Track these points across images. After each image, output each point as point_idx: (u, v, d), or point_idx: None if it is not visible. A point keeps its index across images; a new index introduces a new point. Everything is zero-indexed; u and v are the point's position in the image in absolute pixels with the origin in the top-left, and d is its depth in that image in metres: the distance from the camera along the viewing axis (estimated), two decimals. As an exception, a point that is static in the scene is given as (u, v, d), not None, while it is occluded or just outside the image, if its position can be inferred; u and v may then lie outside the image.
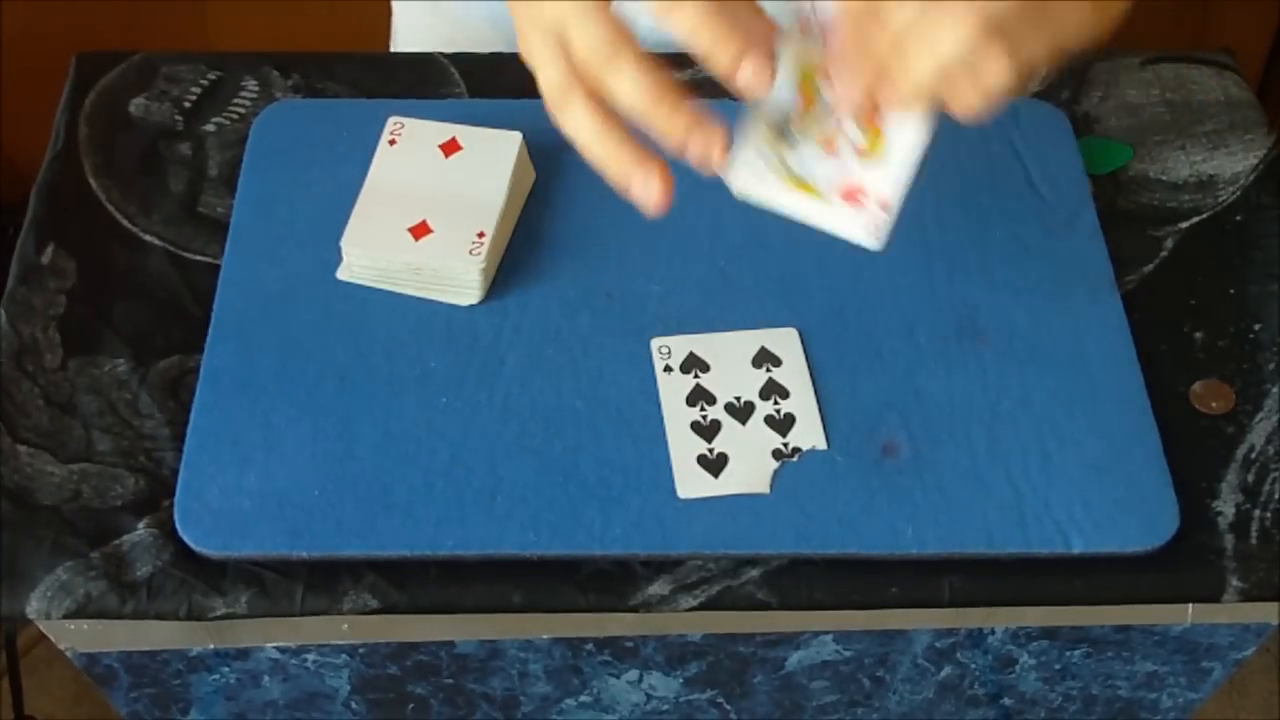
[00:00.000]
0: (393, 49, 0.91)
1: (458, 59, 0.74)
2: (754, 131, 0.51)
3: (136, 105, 0.72)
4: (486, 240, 0.63)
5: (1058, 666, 0.69)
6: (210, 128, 0.71)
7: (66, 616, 0.56)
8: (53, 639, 0.62)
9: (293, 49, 0.75)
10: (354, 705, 0.71)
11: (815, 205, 0.51)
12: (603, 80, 0.49)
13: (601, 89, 0.49)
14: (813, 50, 0.50)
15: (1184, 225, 0.69)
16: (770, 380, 0.62)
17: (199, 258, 0.67)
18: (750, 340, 0.63)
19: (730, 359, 0.63)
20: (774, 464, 0.59)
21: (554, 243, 0.67)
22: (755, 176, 0.50)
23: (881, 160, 0.50)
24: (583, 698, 0.71)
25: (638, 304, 0.64)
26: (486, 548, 0.57)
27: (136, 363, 0.63)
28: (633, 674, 0.69)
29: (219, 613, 0.56)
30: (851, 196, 0.50)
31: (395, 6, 0.90)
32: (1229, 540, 0.59)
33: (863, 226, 0.50)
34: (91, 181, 0.69)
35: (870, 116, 0.50)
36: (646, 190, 0.50)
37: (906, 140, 0.50)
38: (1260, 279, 0.67)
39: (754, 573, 0.58)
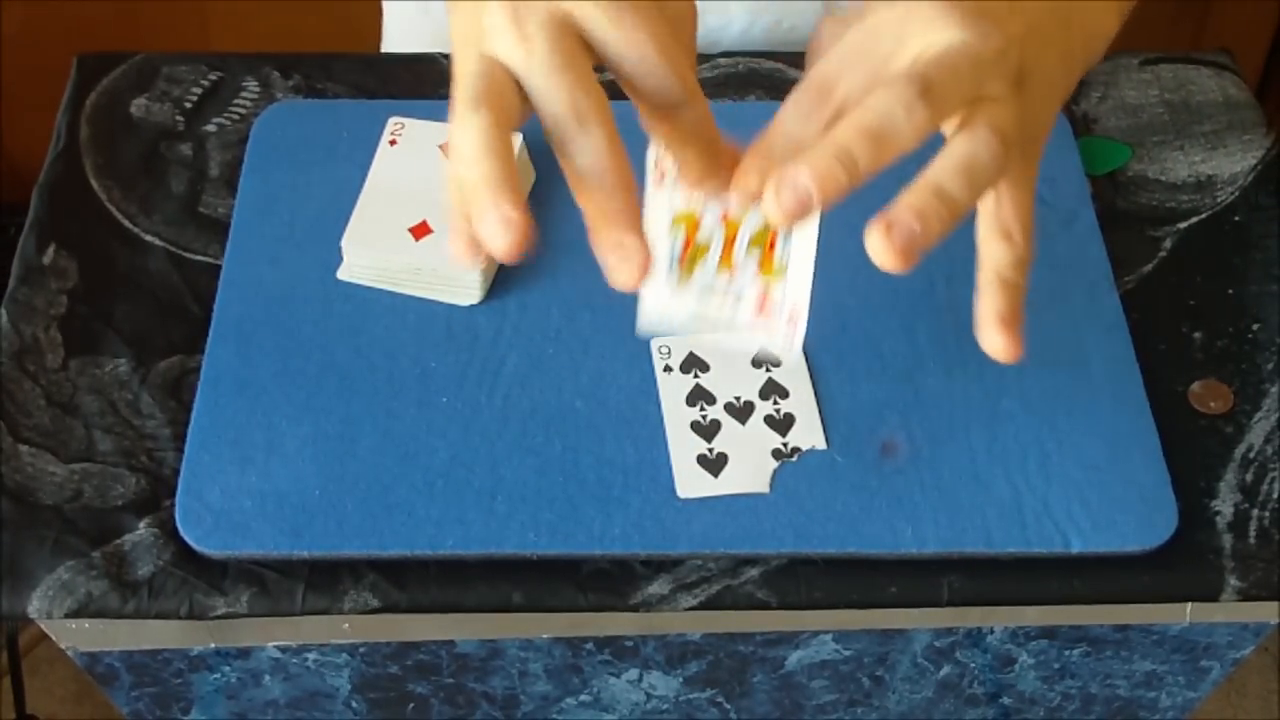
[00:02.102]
0: (384, 49, 0.91)
1: (458, 59, 0.74)
2: (654, 277, 0.50)
3: (137, 106, 0.72)
4: (487, 240, 0.63)
5: (1057, 665, 0.69)
6: (211, 128, 0.72)
7: (68, 616, 0.56)
8: (54, 638, 0.63)
9: (293, 49, 0.75)
10: (354, 704, 0.71)
11: (726, 328, 0.51)
12: (567, 136, 0.45)
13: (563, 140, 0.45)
14: (675, 196, 0.49)
15: (1182, 225, 0.70)
16: (770, 380, 0.62)
17: (200, 258, 0.67)
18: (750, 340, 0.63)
19: (730, 359, 0.63)
20: (774, 464, 0.59)
21: (554, 243, 0.67)
22: (659, 314, 0.50)
23: (781, 279, 0.49)
24: (583, 697, 0.71)
25: (638, 304, 0.64)
26: (487, 547, 0.57)
27: (137, 363, 0.63)
28: (633, 673, 0.69)
29: (220, 612, 0.57)
30: (760, 314, 0.50)
31: (386, 7, 0.90)
32: (1227, 540, 0.59)
33: (775, 341, 0.50)
34: (93, 182, 0.69)
35: (768, 247, 0.49)
36: (497, 232, 0.43)
37: (801, 250, 0.49)
38: (1259, 279, 0.67)
39: (753, 572, 0.58)
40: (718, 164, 0.47)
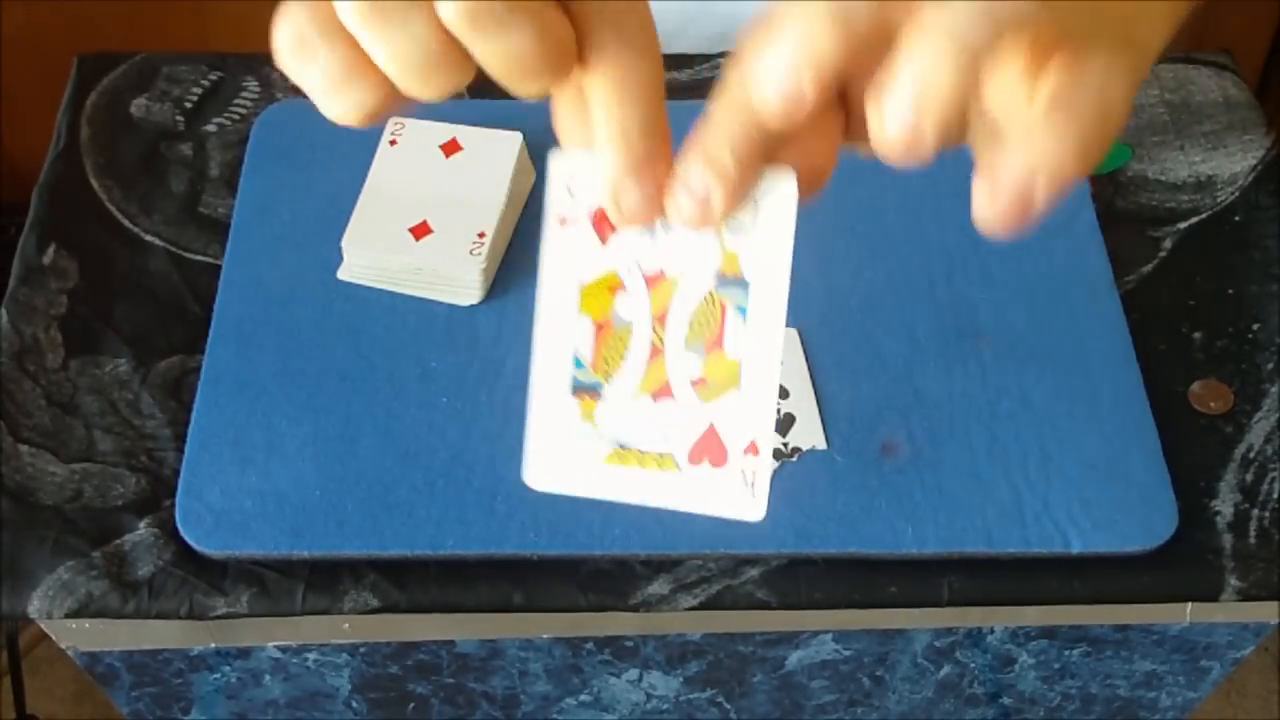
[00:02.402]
0: None
1: (458, 59, 0.74)
2: (546, 401, 0.35)
3: (138, 106, 0.72)
4: (487, 240, 0.64)
5: (1057, 666, 0.69)
6: (211, 128, 0.72)
7: (68, 616, 0.56)
8: (54, 638, 0.63)
9: (293, 49, 0.75)
10: (355, 704, 0.71)
11: (656, 478, 0.35)
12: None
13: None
14: (584, 246, 0.34)
15: (1183, 226, 0.70)
16: (770, 380, 0.62)
17: (200, 258, 0.67)
18: (750, 340, 0.63)
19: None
20: (774, 464, 0.59)
21: (554, 243, 0.67)
22: (561, 463, 0.35)
23: (735, 389, 0.34)
24: (583, 697, 0.71)
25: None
26: (487, 547, 0.57)
27: (138, 363, 0.63)
28: (633, 673, 0.69)
29: (220, 612, 0.57)
30: (704, 453, 0.35)
31: None
32: (1227, 540, 0.59)
33: (731, 492, 0.35)
34: (93, 182, 0.69)
35: (717, 330, 0.35)
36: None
37: (765, 327, 0.35)
38: (1259, 279, 0.67)
39: (753, 572, 0.58)
40: (662, 146, 0.33)
